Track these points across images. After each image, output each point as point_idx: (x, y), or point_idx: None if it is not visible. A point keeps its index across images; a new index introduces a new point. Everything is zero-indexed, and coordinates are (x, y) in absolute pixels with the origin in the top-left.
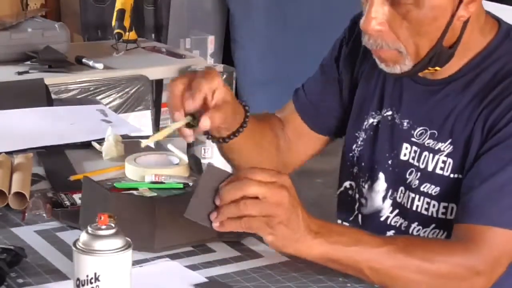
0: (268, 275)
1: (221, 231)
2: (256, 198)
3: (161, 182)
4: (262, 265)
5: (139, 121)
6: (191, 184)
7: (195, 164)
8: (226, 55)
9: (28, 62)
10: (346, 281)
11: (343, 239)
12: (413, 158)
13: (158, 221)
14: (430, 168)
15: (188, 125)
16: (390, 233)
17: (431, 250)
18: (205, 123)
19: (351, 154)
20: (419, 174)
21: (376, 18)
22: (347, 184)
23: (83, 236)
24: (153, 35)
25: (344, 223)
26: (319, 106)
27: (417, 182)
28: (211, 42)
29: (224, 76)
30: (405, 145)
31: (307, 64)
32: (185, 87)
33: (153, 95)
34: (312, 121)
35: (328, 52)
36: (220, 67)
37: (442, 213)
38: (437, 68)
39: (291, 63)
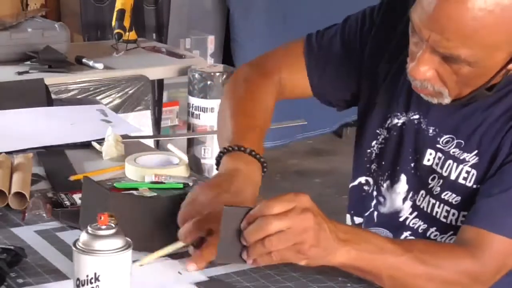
0: (268, 275)
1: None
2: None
3: (161, 182)
4: (262, 265)
5: (139, 121)
6: (191, 184)
7: (195, 164)
8: (226, 55)
9: (28, 62)
10: (346, 281)
11: (370, 246)
12: (437, 165)
13: (158, 221)
14: (453, 177)
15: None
16: (407, 233)
17: (441, 256)
18: (190, 268)
19: (369, 151)
20: (441, 181)
21: (426, 67)
22: (362, 179)
23: (83, 236)
24: (154, 35)
25: (356, 217)
26: (328, 76)
27: (438, 189)
28: (211, 42)
29: (224, 76)
30: (429, 150)
31: None
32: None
33: (153, 95)
34: (315, 84)
35: (354, 19)
36: (220, 67)
37: (461, 222)
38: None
39: None
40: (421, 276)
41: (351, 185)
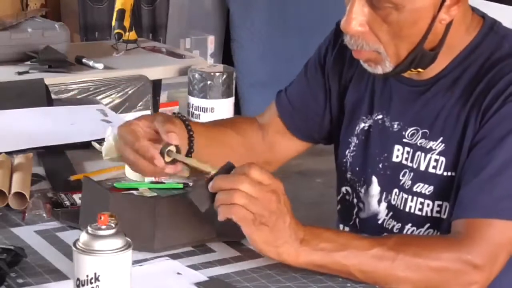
0: (268, 275)
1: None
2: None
3: (161, 182)
4: (262, 265)
5: None
6: (191, 184)
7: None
8: (226, 55)
9: (28, 62)
10: (346, 281)
11: (330, 245)
12: (406, 159)
13: (158, 221)
14: (422, 168)
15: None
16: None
17: (423, 247)
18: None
19: (344, 160)
20: (412, 174)
21: (356, 19)
22: (343, 189)
23: (83, 236)
24: (150, 35)
25: (346, 228)
26: (300, 110)
27: (410, 182)
28: (211, 42)
29: (224, 76)
30: (396, 146)
31: None
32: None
33: (153, 95)
34: (293, 125)
35: (312, 56)
36: (220, 67)
37: (437, 212)
38: (419, 70)
39: (291, 64)
40: (397, 267)
41: (338, 197)
